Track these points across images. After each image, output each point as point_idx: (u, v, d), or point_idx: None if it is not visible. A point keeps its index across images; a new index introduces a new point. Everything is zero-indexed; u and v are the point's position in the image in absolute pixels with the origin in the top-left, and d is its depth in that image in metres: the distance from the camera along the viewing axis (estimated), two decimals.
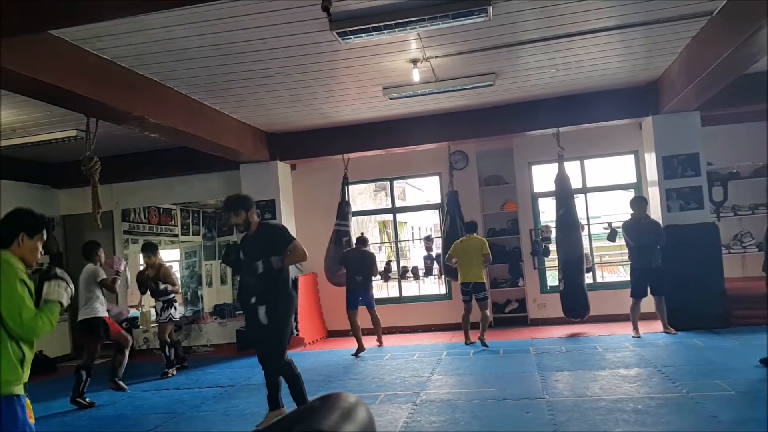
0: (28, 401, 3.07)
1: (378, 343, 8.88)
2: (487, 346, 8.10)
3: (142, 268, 8.51)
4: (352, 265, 8.65)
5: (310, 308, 9.97)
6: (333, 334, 10.24)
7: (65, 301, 3.20)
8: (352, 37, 5.49)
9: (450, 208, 9.44)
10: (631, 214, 8.16)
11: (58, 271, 3.27)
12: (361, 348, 8.37)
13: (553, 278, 10.10)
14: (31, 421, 3.07)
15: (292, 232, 9.89)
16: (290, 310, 5.38)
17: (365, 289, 8.64)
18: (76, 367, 6.81)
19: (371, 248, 9.23)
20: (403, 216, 18.91)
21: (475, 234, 8.52)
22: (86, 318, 6.84)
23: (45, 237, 3.29)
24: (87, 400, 6.69)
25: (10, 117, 7.27)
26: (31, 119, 7.44)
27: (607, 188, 10.51)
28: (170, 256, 11.41)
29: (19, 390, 3.00)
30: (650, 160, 8.89)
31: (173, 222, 11.05)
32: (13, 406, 2.95)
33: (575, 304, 8.75)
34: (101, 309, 6.89)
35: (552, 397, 5.50)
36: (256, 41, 5.67)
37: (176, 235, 11.06)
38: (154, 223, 10.95)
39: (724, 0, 5.59)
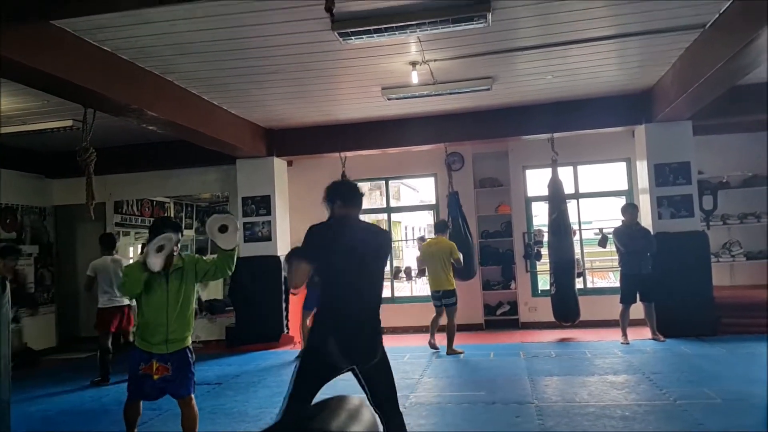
0: None
1: None
2: (462, 352, 7.87)
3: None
4: None
5: (299, 307, 9.95)
6: None
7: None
8: (353, 37, 5.51)
9: (451, 209, 9.43)
10: (622, 221, 8.24)
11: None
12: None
13: (544, 282, 10.14)
14: None
15: (286, 229, 10.10)
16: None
17: None
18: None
19: None
20: (397, 216, 19.00)
21: (443, 236, 8.14)
22: (117, 305, 7.52)
23: (171, 239, 4.33)
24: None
25: (5, 105, 7.21)
26: (27, 108, 7.40)
27: (599, 194, 10.63)
28: None
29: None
30: (642, 168, 8.96)
31: (166, 215, 11.02)
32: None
33: (566, 308, 8.82)
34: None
35: (541, 401, 5.55)
36: (258, 38, 5.68)
37: None
38: (147, 216, 10.93)
39: (716, 14, 5.65)
